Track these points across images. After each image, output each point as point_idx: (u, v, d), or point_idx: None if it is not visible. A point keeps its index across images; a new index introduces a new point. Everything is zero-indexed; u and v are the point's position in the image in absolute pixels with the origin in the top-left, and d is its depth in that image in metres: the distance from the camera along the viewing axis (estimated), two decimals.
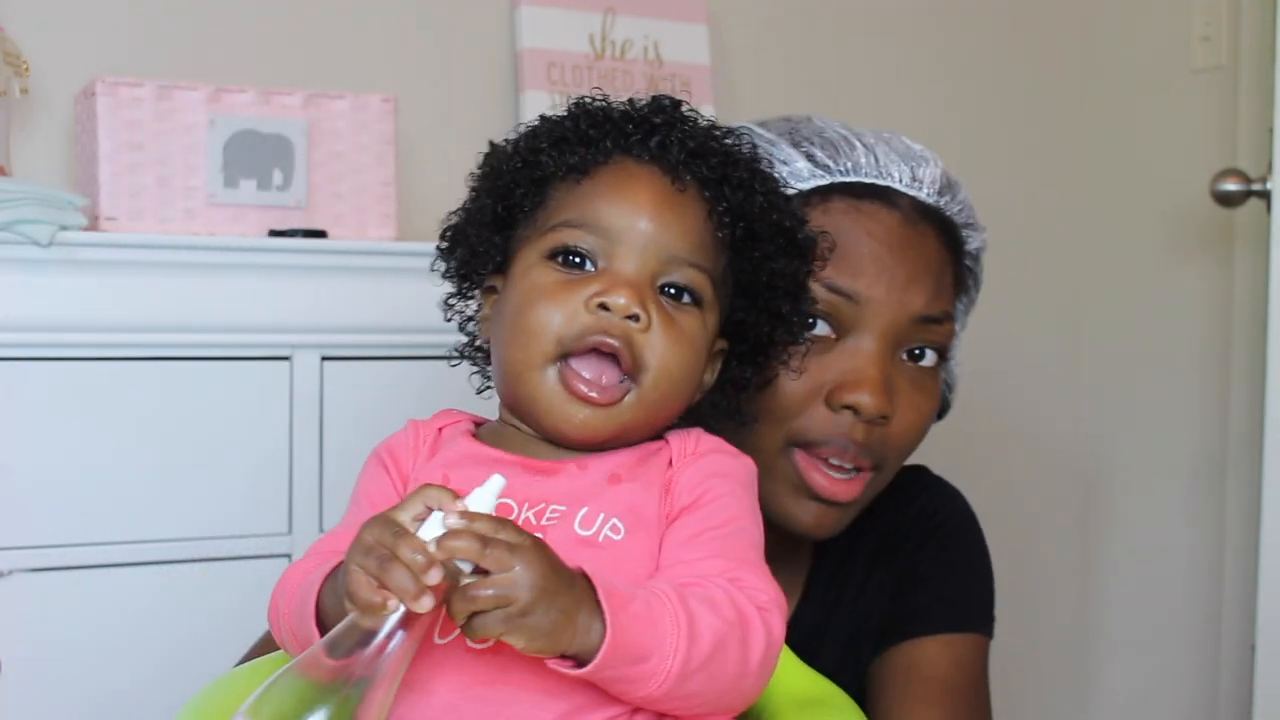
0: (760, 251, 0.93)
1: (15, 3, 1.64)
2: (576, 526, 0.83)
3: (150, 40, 1.75)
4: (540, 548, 0.72)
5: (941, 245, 1.11)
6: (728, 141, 0.94)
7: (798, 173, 1.10)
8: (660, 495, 0.86)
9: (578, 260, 0.88)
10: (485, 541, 0.70)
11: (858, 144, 1.12)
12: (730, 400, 0.98)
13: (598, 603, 0.72)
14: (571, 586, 0.72)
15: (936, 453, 2.33)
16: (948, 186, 1.13)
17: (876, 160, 1.11)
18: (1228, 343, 2.23)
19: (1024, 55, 2.40)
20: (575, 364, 0.86)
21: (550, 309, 0.86)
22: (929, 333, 1.09)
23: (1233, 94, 2.20)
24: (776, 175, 1.00)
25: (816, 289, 1.02)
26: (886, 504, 1.16)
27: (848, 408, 1.05)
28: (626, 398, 0.86)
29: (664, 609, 0.75)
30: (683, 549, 0.83)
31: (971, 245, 1.16)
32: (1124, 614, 2.45)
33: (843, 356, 1.06)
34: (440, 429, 0.94)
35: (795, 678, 0.94)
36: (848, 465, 1.07)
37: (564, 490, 0.86)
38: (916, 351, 1.10)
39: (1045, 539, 2.48)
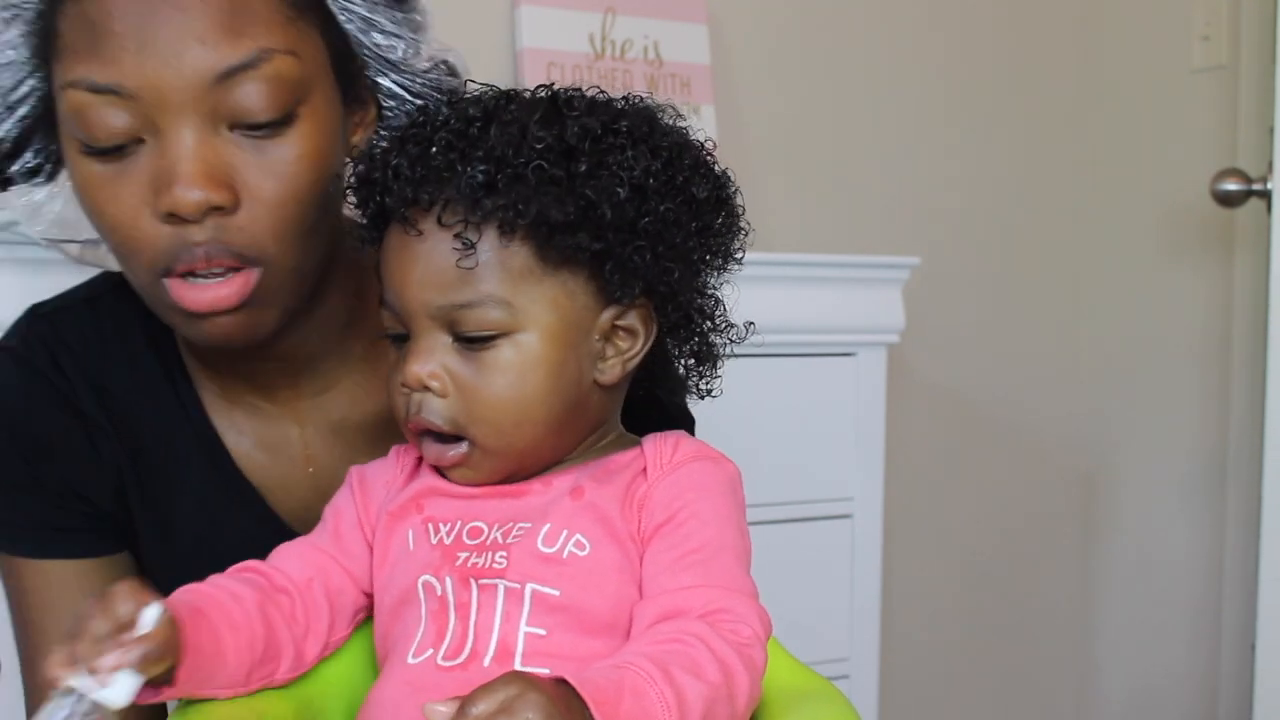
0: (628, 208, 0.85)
1: None
2: (540, 544, 0.83)
3: None
4: (524, 687, 0.68)
5: None
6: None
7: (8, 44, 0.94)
8: (629, 507, 0.85)
9: (402, 341, 0.87)
10: None
11: None
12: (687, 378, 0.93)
13: (585, 706, 0.70)
14: (564, 704, 0.69)
15: (937, 451, 2.35)
16: None
17: None
18: (1228, 343, 2.23)
19: (1024, 55, 2.40)
20: (423, 444, 0.87)
21: (393, 397, 0.88)
22: (245, 84, 0.88)
23: (1233, 94, 2.20)
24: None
25: (74, 97, 0.89)
26: None
27: (170, 215, 0.89)
28: (473, 451, 0.85)
29: (650, 693, 0.73)
30: (665, 576, 0.82)
31: None
32: (1124, 614, 2.45)
33: (153, 158, 0.89)
34: (420, 455, 0.92)
35: (784, 671, 0.94)
36: (217, 271, 0.91)
37: (531, 509, 0.85)
38: (258, 124, 0.90)
39: (1045, 539, 2.48)
